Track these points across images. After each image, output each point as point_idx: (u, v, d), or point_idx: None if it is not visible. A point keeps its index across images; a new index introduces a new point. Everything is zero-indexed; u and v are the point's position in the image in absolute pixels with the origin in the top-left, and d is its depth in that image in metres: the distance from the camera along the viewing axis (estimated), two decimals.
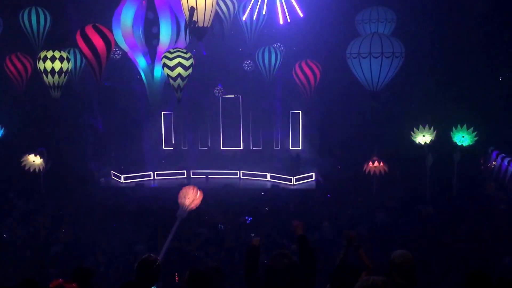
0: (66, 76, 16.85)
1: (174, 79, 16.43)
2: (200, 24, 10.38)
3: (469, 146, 17.06)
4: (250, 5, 14.68)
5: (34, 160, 17.40)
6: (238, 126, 25.13)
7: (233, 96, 24.83)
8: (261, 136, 25.09)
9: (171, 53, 16.58)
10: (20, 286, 5.29)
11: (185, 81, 16.66)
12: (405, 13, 19.25)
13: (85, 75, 18.74)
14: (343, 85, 21.09)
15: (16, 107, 21.02)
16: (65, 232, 13.92)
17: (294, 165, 22.63)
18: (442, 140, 17.38)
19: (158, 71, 18.75)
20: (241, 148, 25.02)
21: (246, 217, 14.91)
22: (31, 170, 17.39)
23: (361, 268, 5.22)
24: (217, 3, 14.01)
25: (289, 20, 13.64)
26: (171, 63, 16.37)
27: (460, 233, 12.65)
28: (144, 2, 18.80)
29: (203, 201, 9.40)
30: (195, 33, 10.59)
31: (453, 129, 17.14)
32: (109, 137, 23.83)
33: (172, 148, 25.20)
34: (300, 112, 24.42)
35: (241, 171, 22.60)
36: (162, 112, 24.62)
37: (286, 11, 13.29)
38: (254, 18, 18.75)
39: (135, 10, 18.45)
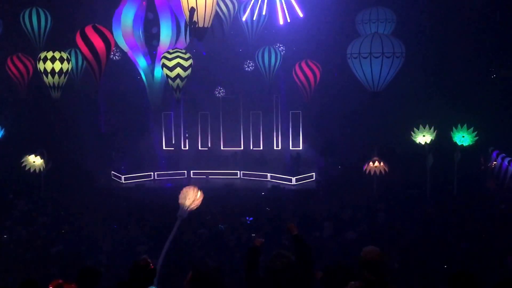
0: (66, 77, 16.87)
1: (173, 79, 16.45)
2: (200, 25, 10.38)
3: (469, 146, 17.06)
4: (250, 5, 14.70)
5: (34, 160, 17.40)
6: (238, 127, 25.12)
7: (234, 96, 24.83)
8: (261, 136, 25.10)
9: (170, 53, 16.59)
10: (20, 286, 5.27)
11: (184, 82, 16.66)
12: (405, 13, 19.26)
13: (87, 76, 18.74)
14: (343, 85, 21.10)
15: (16, 107, 21.03)
16: (65, 233, 13.92)
17: (294, 165, 22.62)
18: (442, 140, 17.38)
19: (158, 72, 18.78)
20: (241, 148, 25.01)
21: (247, 218, 14.91)
22: (31, 170, 17.39)
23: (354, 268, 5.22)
24: (217, 4, 14.02)
25: (289, 21, 13.66)
26: (170, 64, 16.38)
27: (461, 233, 12.64)
28: (144, 2, 18.84)
29: (203, 201, 9.38)
30: (196, 34, 10.60)
31: (453, 129, 17.14)
32: (109, 138, 23.84)
33: (172, 149, 25.19)
34: (300, 112, 24.42)
35: (241, 172, 22.60)
36: (163, 113, 24.62)
37: (286, 12, 13.31)
38: (254, 19, 18.76)
39: (135, 11, 18.49)
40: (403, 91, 19.98)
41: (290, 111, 24.73)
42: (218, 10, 17.08)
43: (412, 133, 17.48)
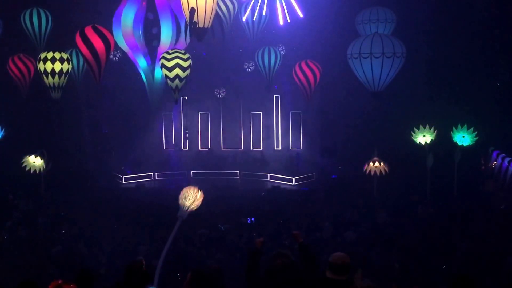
0: (67, 77, 16.86)
1: (172, 79, 16.44)
2: (201, 25, 10.39)
3: (469, 146, 17.06)
4: (250, 6, 14.70)
5: (35, 161, 17.40)
6: (238, 127, 25.12)
7: (234, 96, 24.83)
8: (261, 137, 25.09)
9: (169, 54, 16.57)
10: (19, 287, 5.28)
11: (183, 82, 16.65)
12: (404, 13, 19.26)
13: (88, 76, 18.74)
14: (343, 85, 21.11)
15: (16, 108, 21.03)
16: (65, 233, 13.92)
17: (294, 165, 22.63)
18: (443, 140, 17.39)
19: (158, 72, 18.77)
20: (242, 148, 25.01)
21: (248, 218, 14.91)
22: (32, 171, 17.39)
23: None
24: (217, 4, 14.02)
25: (289, 21, 13.65)
26: (169, 64, 16.36)
27: (461, 233, 12.64)
28: (144, 3, 18.84)
29: (203, 201, 9.39)
30: (196, 34, 10.60)
31: (454, 129, 17.14)
32: (110, 138, 23.86)
33: (173, 149, 25.19)
34: (301, 112, 24.42)
35: (241, 172, 22.60)
36: (163, 113, 24.62)
37: (286, 12, 13.30)
38: (254, 19, 18.76)
39: (135, 11, 18.49)
40: (403, 91, 19.97)
41: (290, 112, 24.73)
42: (218, 10, 17.08)
43: (412, 133, 17.48)
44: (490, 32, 19.83)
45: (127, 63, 20.33)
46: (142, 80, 19.79)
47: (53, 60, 16.25)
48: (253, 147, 24.96)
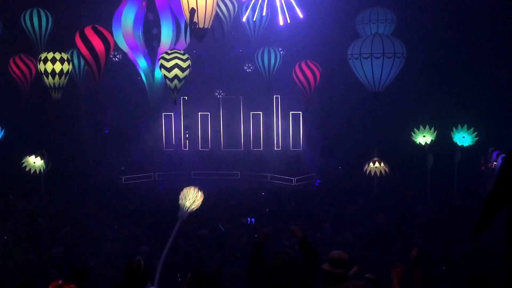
0: (67, 78, 16.87)
1: (171, 80, 16.44)
2: (201, 25, 10.41)
3: (469, 147, 17.06)
4: (250, 6, 14.70)
5: (35, 161, 17.40)
6: (238, 127, 25.12)
7: (234, 97, 24.84)
8: (261, 137, 25.09)
9: (169, 54, 16.58)
10: (18, 287, 5.30)
11: (181, 83, 16.65)
12: (404, 13, 19.27)
13: (88, 76, 18.76)
14: (343, 85, 21.11)
15: (16, 108, 21.03)
16: (66, 234, 13.92)
17: (294, 165, 22.64)
18: (443, 141, 17.38)
19: (158, 72, 18.79)
20: (242, 149, 25.01)
21: (248, 218, 14.92)
22: (32, 171, 17.39)
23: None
24: (217, 4, 14.03)
25: (289, 21, 13.65)
26: (168, 64, 16.36)
27: (461, 234, 12.64)
28: (144, 3, 18.87)
29: (204, 202, 9.40)
30: (196, 34, 10.62)
31: (454, 129, 17.14)
32: (110, 138, 23.87)
33: (173, 149, 25.20)
34: (301, 112, 24.43)
35: (241, 172, 22.60)
36: (163, 113, 24.63)
37: (286, 12, 13.30)
38: (254, 19, 18.78)
39: (136, 11, 18.51)
40: (403, 91, 19.97)
41: (291, 112, 24.73)
42: (218, 11, 17.09)
43: (412, 133, 17.48)
44: (490, 32, 19.83)
45: (127, 63, 20.35)
46: (142, 81, 19.83)
47: (53, 61, 16.27)
48: (253, 148, 24.97)
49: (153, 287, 5.52)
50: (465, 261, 10.87)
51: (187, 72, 16.51)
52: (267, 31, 20.09)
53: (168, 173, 22.59)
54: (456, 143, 17.11)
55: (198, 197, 9.18)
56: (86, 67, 18.72)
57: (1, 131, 20.01)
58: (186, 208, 9.14)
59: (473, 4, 19.80)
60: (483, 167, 20.10)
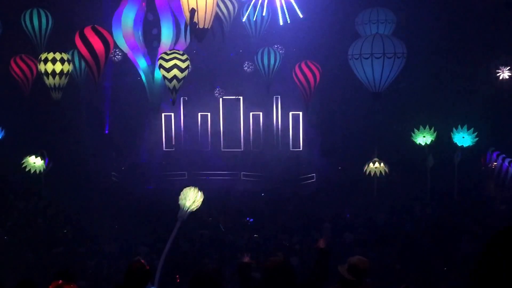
0: (67, 78, 16.86)
1: (170, 80, 16.43)
2: (201, 26, 10.39)
3: (469, 147, 17.05)
4: (250, 6, 14.69)
5: (35, 161, 17.40)
6: (238, 127, 25.13)
7: (234, 97, 24.85)
8: (261, 137, 25.09)
9: (168, 54, 16.57)
10: (17, 287, 5.30)
11: (180, 83, 16.64)
12: (405, 13, 19.26)
13: (89, 77, 18.76)
14: (343, 86, 21.11)
15: (16, 108, 21.03)
16: (66, 234, 13.93)
17: (294, 166, 22.64)
18: (443, 141, 17.38)
19: (158, 73, 18.77)
20: (242, 149, 25.01)
21: (248, 218, 14.92)
22: (32, 171, 17.39)
23: None
24: (217, 5, 14.02)
25: (289, 21, 13.65)
26: (167, 65, 16.35)
27: (461, 234, 12.64)
28: (144, 3, 18.85)
29: (204, 202, 9.39)
30: (196, 35, 10.61)
31: (454, 130, 17.13)
32: (110, 139, 23.88)
33: (173, 149, 25.21)
34: (301, 113, 24.44)
35: (241, 172, 22.58)
36: (163, 114, 24.64)
37: (286, 12, 13.29)
38: (254, 19, 18.77)
39: (136, 11, 18.50)
40: (403, 91, 19.98)
41: (290, 112, 24.74)
42: (218, 11, 17.07)
43: (412, 133, 17.47)
44: (490, 32, 19.84)
45: (127, 63, 20.35)
46: (142, 81, 19.81)
47: (53, 61, 16.26)
48: (253, 148, 24.97)
49: (153, 287, 5.51)
50: (465, 261, 10.87)
51: (186, 72, 16.50)
52: (267, 31, 20.09)
53: (168, 173, 22.59)
54: (456, 143, 17.10)
55: (198, 197, 9.17)
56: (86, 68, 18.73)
57: (1, 131, 20.00)
58: (186, 208, 9.13)
59: (473, 4, 19.81)
60: (483, 168, 20.13)
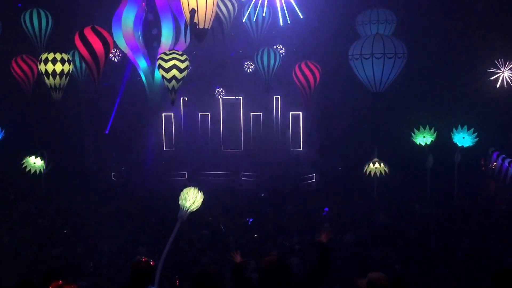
0: (67, 78, 16.86)
1: (169, 80, 16.43)
2: (201, 26, 10.39)
3: (469, 147, 17.04)
4: (251, 6, 14.71)
5: (35, 162, 17.40)
6: (238, 127, 25.13)
7: (234, 97, 24.86)
8: (261, 138, 25.10)
9: (167, 55, 16.57)
10: (17, 287, 5.28)
11: (179, 83, 16.64)
12: (405, 14, 19.27)
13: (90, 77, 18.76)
14: (343, 86, 21.11)
15: (16, 109, 21.03)
16: (66, 234, 13.92)
17: (295, 166, 22.65)
18: (443, 141, 17.37)
19: (158, 73, 18.80)
20: (241, 149, 25.02)
21: (247, 218, 14.93)
22: (32, 172, 17.39)
23: None
24: (217, 5, 14.03)
25: (289, 22, 13.66)
26: (167, 65, 16.35)
27: (461, 234, 12.63)
28: (143, 4, 18.87)
29: (204, 202, 9.39)
30: (196, 35, 10.61)
31: (454, 130, 17.12)
32: (110, 139, 23.89)
33: (173, 150, 25.22)
34: (301, 113, 24.44)
35: (242, 173, 22.59)
36: (163, 114, 24.65)
37: (286, 13, 13.30)
38: (254, 20, 18.78)
39: (136, 12, 18.51)
40: (403, 91, 19.97)
41: (291, 112, 24.74)
42: (218, 11, 17.08)
43: (412, 134, 17.47)
44: (491, 32, 19.83)
45: (127, 64, 20.36)
46: (142, 81, 19.83)
47: (54, 61, 16.26)
48: (252, 148, 24.97)
49: (153, 287, 5.51)
50: (465, 261, 10.86)
51: (185, 73, 16.51)
52: (267, 31, 20.10)
53: (167, 173, 22.59)
54: (456, 143, 17.09)
55: (198, 198, 9.17)
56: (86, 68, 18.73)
57: (1, 131, 20.00)
58: (186, 209, 9.13)
59: (474, 5, 19.81)
60: (483, 168, 20.12)
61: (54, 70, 16.28)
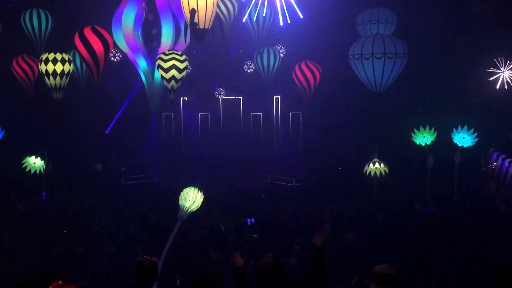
0: (68, 78, 16.87)
1: (168, 80, 16.45)
2: (201, 26, 10.40)
3: (469, 147, 17.03)
4: (251, 7, 14.71)
5: (35, 162, 17.39)
6: (238, 128, 25.13)
7: (234, 97, 24.85)
8: (261, 138, 25.10)
9: (166, 55, 16.58)
10: (18, 287, 5.28)
11: (178, 83, 16.65)
12: (405, 14, 19.26)
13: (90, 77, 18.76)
14: (343, 86, 21.10)
15: (16, 108, 21.02)
16: (66, 234, 13.92)
17: (294, 166, 22.64)
18: (443, 141, 17.36)
19: (158, 73, 18.80)
20: (241, 149, 24.97)
21: (248, 219, 14.91)
22: (32, 172, 17.38)
23: None
24: (218, 5, 14.02)
25: (289, 22, 13.65)
26: (166, 65, 16.35)
27: (461, 234, 12.63)
28: (143, 4, 18.87)
29: (204, 202, 9.40)
30: (196, 35, 10.61)
31: (454, 130, 17.11)
32: (111, 139, 23.89)
33: (173, 149, 25.19)
34: (301, 113, 24.44)
35: (242, 173, 22.57)
36: (163, 114, 24.64)
37: (286, 13, 13.29)
38: (254, 20, 18.78)
39: (136, 12, 18.51)
40: (403, 91, 19.97)
41: (290, 112, 24.73)
42: (218, 11, 17.09)
43: (412, 134, 17.46)
44: (491, 33, 19.83)
45: (127, 64, 20.37)
46: (142, 81, 19.82)
47: (54, 61, 16.28)
48: (252, 148, 24.96)
49: (153, 287, 5.49)
50: (465, 261, 10.86)
51: (184, 73, 16.51)
52: (267, 31, 20.11)
53: (167, 174, 22.58)
54: (456, 144, 17.08)
55: (198, 198, 9.18)
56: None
57: (2, 131, 20.00)
58: (186, 209, 9.14)
59: (474, 5, 19.81)
60: (483, 168, 20.10)
61: (54, 70, 16.30)
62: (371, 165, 17.17)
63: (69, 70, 16.74)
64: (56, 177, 18.25)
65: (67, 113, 21.72)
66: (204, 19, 10.39)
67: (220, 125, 25.02)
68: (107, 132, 24.46)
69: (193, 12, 10.13)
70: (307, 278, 4.81)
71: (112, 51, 20.30)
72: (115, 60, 21.59)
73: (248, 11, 17.19)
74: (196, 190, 9.42)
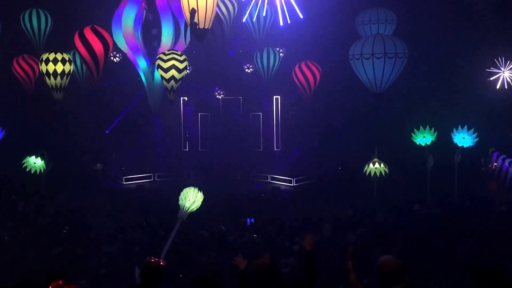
0: (68, 78, 16.87)
1: (168, 80, 16.45)
2: (201, 26, 10.40)
3: (469, 148, 17.03)
4: (250, 7, 14.70)
5: (35, 162, 17.40)
6: (238, 128, 25.12)
7: (234, 97, 24.85)
8: (261, 138, 25.10)
9: (166, 55, 16.58)
10: (17, 287, 5.28)
11: (178, 83, 16.66)
12: (405, 14, 19.27)
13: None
14: (343, 86, 21.10)
15: (17, 108, 21.03)
16: (66, 234, 13.92)
17: (294, 166, 22.67)
18: (443, 142, 17.36)
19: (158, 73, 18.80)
20: (241, 149, 24.98)
21: (248, 219, 14.91)
22: (32, 171, 17.39)
23: None
24: (217, 5, 14.03)
25: (289, 22, 13.65)
26: (165, 65, 16.35)
27: (461, 234, 12.62)
28: (143, 3, 18.86)
29: (203, 202, 9.39)
30: (196, 35, 10.62)
31: (454, 130, 17.11)
32: (110, 139, 23.90)
33: (173, 150, 25.21)
34: (300, 113, 24.43)
35: (241, 173, 22.59)
36: (163, 114, 24.62)
37: (286, 13, 13.28)
38: (255, 20, 18.78)
39: (136, 12, 18.51)
40: (403, 92, 19.97)
41: (290, 113, 24.73)
42: (218, 11, 17.10)
43: (412, 134, 17.46)
44: (491, 33, 19.83)
45: (127, 64, 20.36)
46: (142, 81, 19.82)
47: (54, 61, 16.28)
48: (252, 148, 24.98)
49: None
50: (465, 261, 10.85)
51: (184, 73, 16.52)
52: (267, 31, 20.11)
53: (167, 174, 22.59)
54: (456, 144, 17.08)
55: (198, 198, 9.17)
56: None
57: (2, 131, 20.00)
58: (186, 209, 9.14)
59: (474, 5, 19.80)
60: (483, 168, 20.11)
61: (55, 70, 16.31)
62: (371, 165, 17.17)
63: (70, 70, 16.74)
64: (56, 177, 18.25)
65: (67, 113, 21.73)
66: (204, 19, 10.40)
67: (220, 125, 25.02)
68: (107, 132, 24.47)
69: (193, 12, 10.13)
70: (303, 279, 4.83)
71: (112, 53, 20.29)
72: (115, 60, 21.59)
73: (248, 11, 17.20)
74: (196, 190, 9.42)
